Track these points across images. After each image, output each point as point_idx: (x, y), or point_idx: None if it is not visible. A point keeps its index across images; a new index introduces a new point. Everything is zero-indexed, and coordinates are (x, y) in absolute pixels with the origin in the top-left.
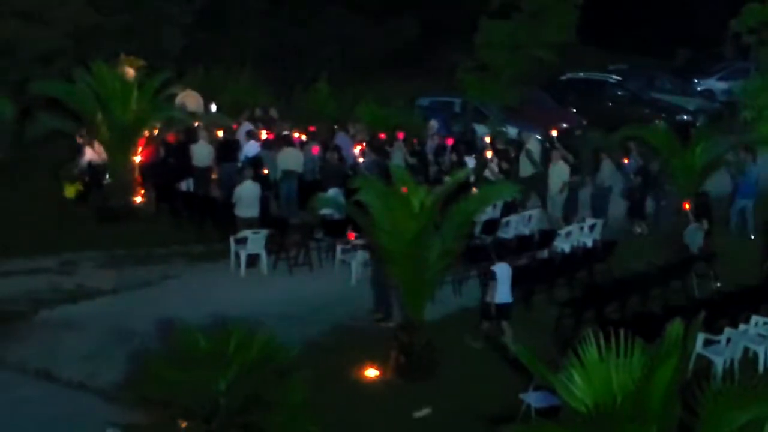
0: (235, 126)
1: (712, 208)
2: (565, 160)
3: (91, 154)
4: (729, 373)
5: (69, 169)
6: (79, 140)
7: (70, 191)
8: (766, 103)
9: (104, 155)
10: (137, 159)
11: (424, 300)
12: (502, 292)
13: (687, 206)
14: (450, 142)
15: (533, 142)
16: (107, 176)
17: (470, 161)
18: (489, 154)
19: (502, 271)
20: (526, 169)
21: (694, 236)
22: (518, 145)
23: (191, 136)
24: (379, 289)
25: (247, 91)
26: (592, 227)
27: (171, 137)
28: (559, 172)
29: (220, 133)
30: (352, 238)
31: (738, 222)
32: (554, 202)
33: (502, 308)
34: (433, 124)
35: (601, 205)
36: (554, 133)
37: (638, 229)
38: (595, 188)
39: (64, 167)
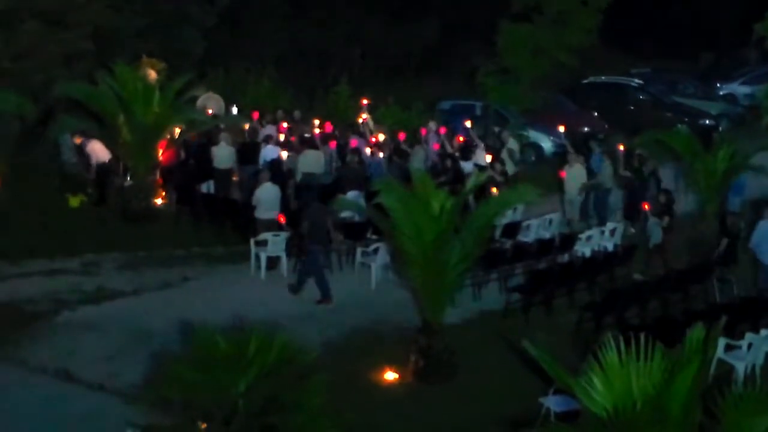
0: (251, 123)
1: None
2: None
3: (95, 154)
4: (750, 378)
5: (71, 176)
6: (78, 141)
7: (74, 202)
8: None
9: (107, 154)
10: (158, 161)
11: (444, 303)
12: None
13: (646, 206)
14: (436, 146)
15: (513, 141)
16: (128, 177)
17: (468, 165)
18: (489, 157)
19: None
20: (508, 168)
21: (654, 231)
22: (500, 144)
23: (212, 138)
24: (317, 274)
25: (268, 94)
26: (613, 231)
27: (192, 139)
28: (577, 175)
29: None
30: (282, 221)
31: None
32: (573, 204)
33: None
34: (432, 126)
35: (602, 208)
36: (561, 129)
37: (632, 230)
38: (595, 191)
39: (66, 177)
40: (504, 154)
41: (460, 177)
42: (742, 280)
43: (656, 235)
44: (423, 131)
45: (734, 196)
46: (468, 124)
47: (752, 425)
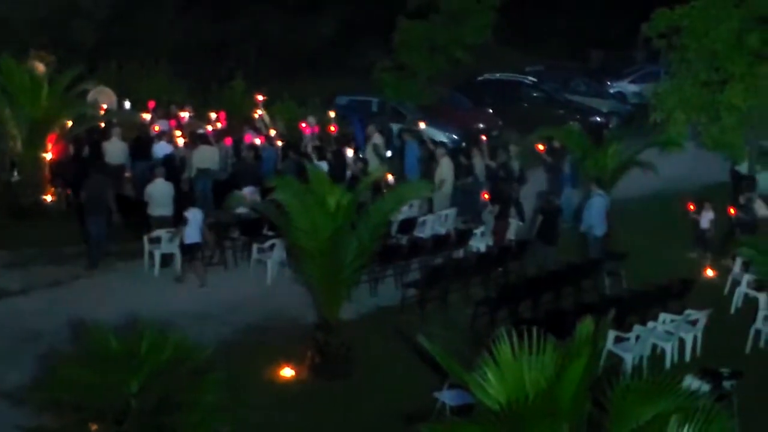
0: (145, 118)
1: (509, 195)
2: (453, 159)
3: None
4: (638, 369)
5: None
6: None
7: None
8: (675, 106)
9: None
10: (48, 156)
11: (340, 299)
12: (191, 234)
13: (486, 196)
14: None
15: (378, 137)
16: (15, 172)
17: (323, 165)
18: (350, 152)
19: (194, 215)
20: (373, 164)
21: (487, 219)
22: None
23: (104, 133)
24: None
25: (162, 88)
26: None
27: (83, 134)
28: (440, 171)
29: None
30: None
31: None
32: (438, 199)
33: (192, 247)
34: (311, 120)
35: (467, 203)
36: (422, 125)
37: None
38: (461, 186)
39: None
40: (369, 150)
41: None
42: (631, 273)
43: (489, 220)
44: (316, 129)
45: (566, 187)
46: (332, 114)
47: (638, 414)
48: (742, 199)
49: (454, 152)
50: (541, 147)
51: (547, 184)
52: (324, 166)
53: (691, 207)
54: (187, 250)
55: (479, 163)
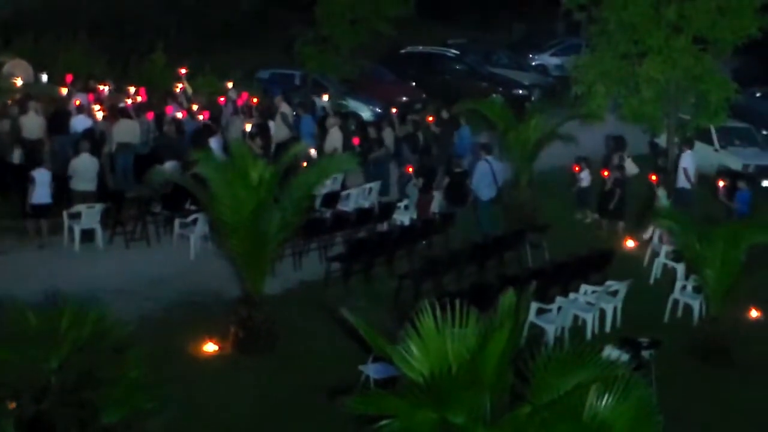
0: (62, 92)
1: (435, 171)
2: (343, 130)
3: None
4: (559, 340)
5: None
6: None
7: None
8: (595, 79)
9: None
10: None
11: (264, 273)
12: (40, 194)
13: (410, 169)
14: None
15: (286, 106)
16: None
17: (214, 142)
18: (248, 126)
19: (41, 176)
20: (280, 133)
21: (411, 192)
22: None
23: (21, 107)
24: None
25: (81, 61)
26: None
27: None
28: (331, 140)
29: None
30: None
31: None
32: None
33: (41, 207)
34: (231, 95)
35: (377, 173)
36: (325, 98)
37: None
38: (373, 158)
39: None
40: (277, 119)
41: None
42: (553, 245)
43: (413, 194)
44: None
45: (461, 157)
46: (229, 84)
47: (559, 385)
48: (615, 159)
49: (365, 125)
50: (430, 118)
51: (436, 155)
52: (215, 143)
53: (577, 169)
54: (34, 210)
55: (389, 135)
